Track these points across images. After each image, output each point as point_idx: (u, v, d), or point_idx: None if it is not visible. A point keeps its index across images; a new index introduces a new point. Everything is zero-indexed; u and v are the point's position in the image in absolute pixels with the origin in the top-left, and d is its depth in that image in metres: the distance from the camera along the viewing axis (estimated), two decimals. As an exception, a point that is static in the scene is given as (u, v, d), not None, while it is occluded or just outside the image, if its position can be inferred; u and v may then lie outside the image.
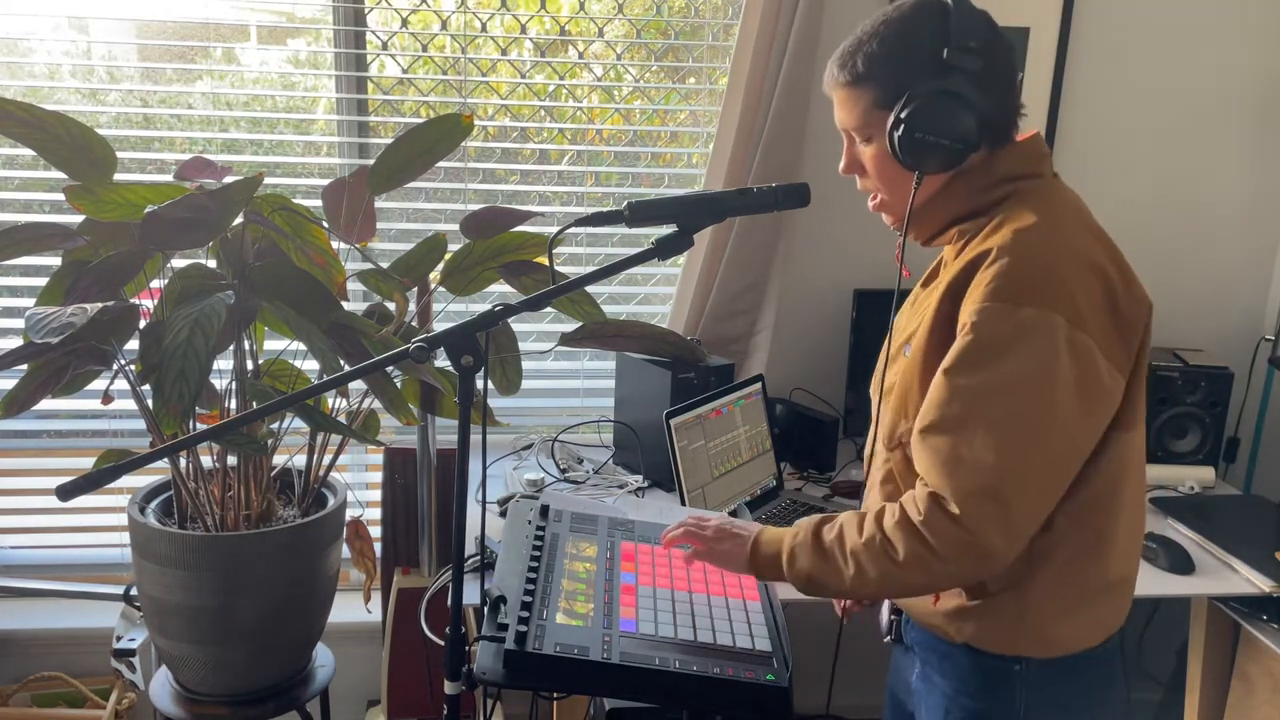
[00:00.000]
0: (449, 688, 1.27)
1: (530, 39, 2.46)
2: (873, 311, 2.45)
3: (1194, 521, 2.15)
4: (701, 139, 2.58)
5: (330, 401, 2.11)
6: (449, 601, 1.25)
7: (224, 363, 1.90)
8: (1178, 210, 2.65)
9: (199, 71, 2.41)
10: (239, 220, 1.85)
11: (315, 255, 1.96)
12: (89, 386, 1.93)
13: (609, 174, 2.58)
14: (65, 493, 1.12)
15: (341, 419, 2.09)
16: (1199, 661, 2.23)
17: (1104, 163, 2.60)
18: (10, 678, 2.47)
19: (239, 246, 1.89)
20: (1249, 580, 1.94)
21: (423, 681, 2.37)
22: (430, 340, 1.19)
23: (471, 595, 1.64)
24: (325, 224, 1.99)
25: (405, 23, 2.42)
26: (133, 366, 1.88)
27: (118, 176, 1.85)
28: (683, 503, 1.95)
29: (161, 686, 2.02)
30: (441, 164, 2.16)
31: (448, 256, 2.06)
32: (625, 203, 1.30)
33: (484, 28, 2.43)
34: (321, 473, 2.07)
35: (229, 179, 1.93)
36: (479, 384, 1.24)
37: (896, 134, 1.24)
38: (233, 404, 2.00)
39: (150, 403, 1.79)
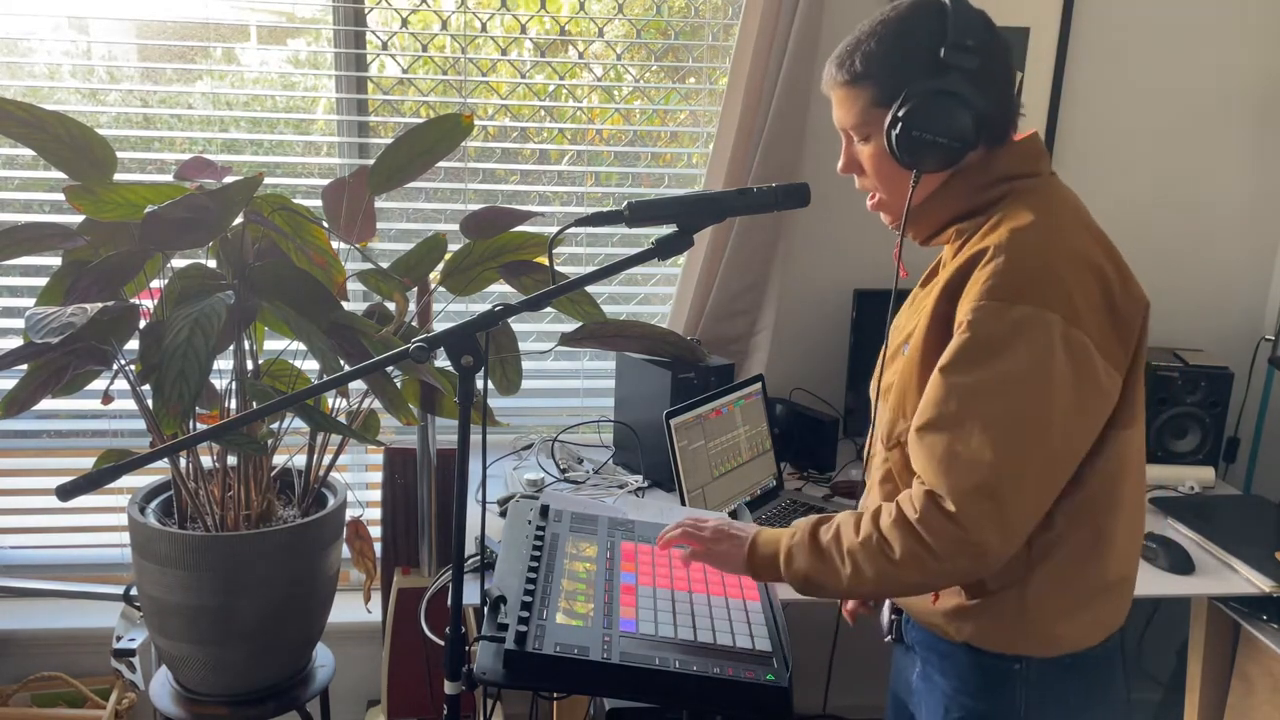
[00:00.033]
0: (449, 688, 1.27)
1: (530, 39, 2.46)
2: (873, 311, 2.46)
3: (1194, 521, 2.15)
4: (701, 139, 2.58)
5: (330, 401, 2.11)
6: (449, 601, 1.25)
7: (224, 363, 1.90)
8: (1178, 210, 2.65)
9: (199, 71, 2.41)
10: (239, 220, 1.85)
11: (315, 255, 1.96)
12: (89, 386, 1.93)
13: (609, 174, 2.58)
14: (65, 493, 1.12)
15: (341, 419, 2.09)
16: (1199, 661, 2.23)
17: (1104, 162, 2.60)
18: (10, 678, 2.47)
19: (239, 246, 1.89)
20: (1249, 580, 1.94)
21: (423, 681, 2.37)
22: (430, 340, 1.19)
23: (471, 595, 1.64)
24: (325, 224, 1.99)
25: (405, 23, 2.42)
26: (133, 366, 1.88)
27: (118, 176, 1.85)
28: (683, 503, 1.95)
29: (161, 686, 2.02)
30: (441, 164, 2.16)
31: (448, 256, 2.06)
32: (625, 203, 1.30)
33: (484, 28, 2.43)
34: (321, 473, 2.07)
35: (229, 179, 1.93)
36: (479, 384, 1.24)
37: (894, 132, 1.24)
38: (233, 404, 2.00)
39: (150, 403, 1.79)
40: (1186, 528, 2.13)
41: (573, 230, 1.62)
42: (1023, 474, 1.17)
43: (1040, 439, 1.17)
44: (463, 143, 2.01)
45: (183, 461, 1.97)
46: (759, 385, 2.22)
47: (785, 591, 1.39)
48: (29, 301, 2.32)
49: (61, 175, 1.82)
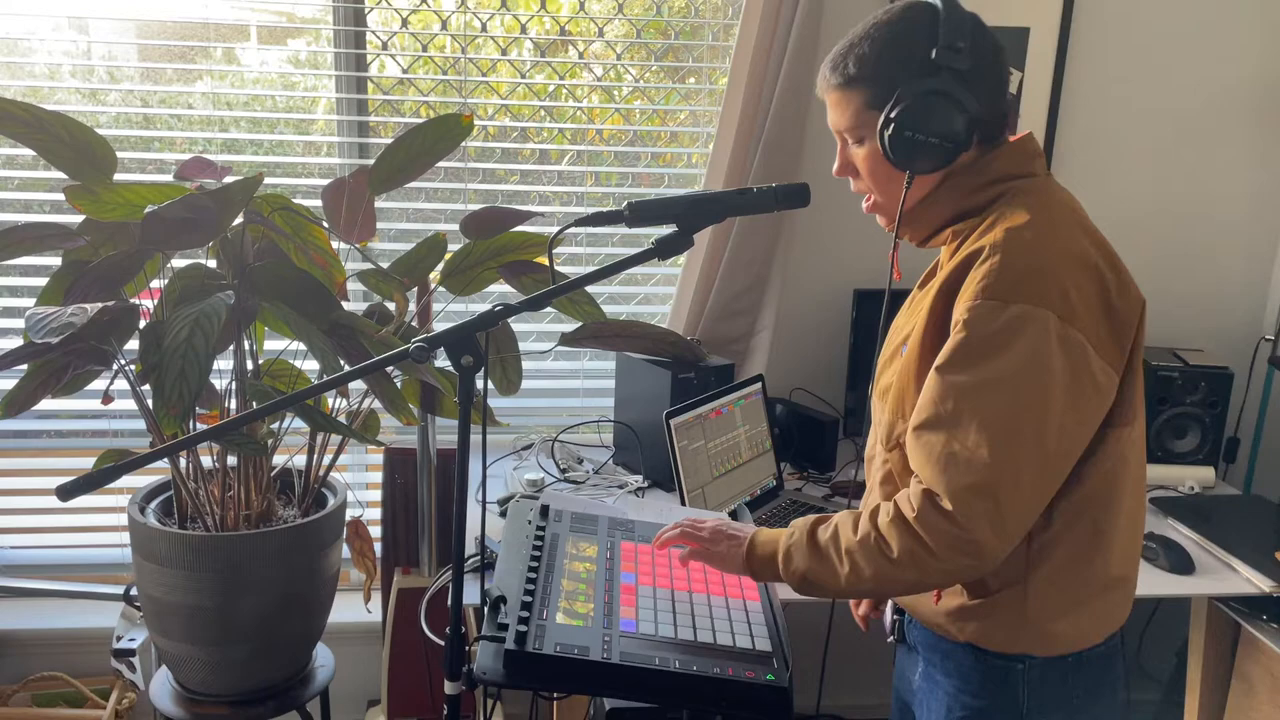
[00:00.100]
0: (449, 688, 1.27)
1: (530, 39, 2.46)
2: (873, 311, 2.46)
3: (1194, 521, 2.15)
4: (701, 139, 2.58)
5: (330, 401, 2.11)
6: (449, 601, 1.25)
7: (224, 363, 1.90)
8: (1178, 210, 2.65)
9: (199, 71, 2.41)
10: (239, 220, 1.85)
11: (315, 255, 1.96)
12: (89, 386, 1.93)
13: (609, 174, 2.58)
14: (65, 493, 1.12)
15: (341, 419, 2.09)
16: (1199, 661, 2.23)
17: (1104, 162, 2.60)
18: (10, 678, 2.47)
19: (239, 246, 1.89)
20: (1249, 580, 1.94)
21: (423, 681, 2.37)
22: (430, 340, 1.19)
23: (471, 595, 1.64)
24: (325, 224, 1.99)
25: (405, 23, 2.42)
26: (133, 366, 1.88)
27: (118, 176, 1.85)
28: (683, 503, 1.95)
29: (161, 686, 2.02)
30: (441, 164, 2.16)
31: (448, 256, 2.06)
32: (625, 203, 1.30)
33: (484, 28, 2.43)
34: (321, 473, 2.07)
35: (229, 179, 1.93)
36: (479, 384, 1.24)
37: (887, 134, 1.25)
38: (233, 404, 2.00)
39: (150, 403, 1.79)
40: (1186, 528, 2.13)
41: (573, 230, 1.62)
42: (1019, 472, 1.17)
43: (1037, 438, 1.17)
44: (463, 143, 2.01)
45: (183, 461, 1.97)
46: (759, 385, 2.23)
47: (784, 591, 1.39)
48: (29, 301, 2.33)
49: (61, 175, 1.82)
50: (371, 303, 2.13)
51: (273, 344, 2.13)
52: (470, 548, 1.85)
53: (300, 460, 2.10)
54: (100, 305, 1.68)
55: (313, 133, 2.47)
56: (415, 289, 2.10)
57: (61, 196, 1.81)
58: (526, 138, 2.52)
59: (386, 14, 2.40)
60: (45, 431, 2.50)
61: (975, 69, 1.23)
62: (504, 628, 1.23)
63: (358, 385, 2.08)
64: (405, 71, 2.45)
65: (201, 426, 1.91)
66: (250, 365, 1.99)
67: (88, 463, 1.81)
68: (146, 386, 1.81)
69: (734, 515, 1.68)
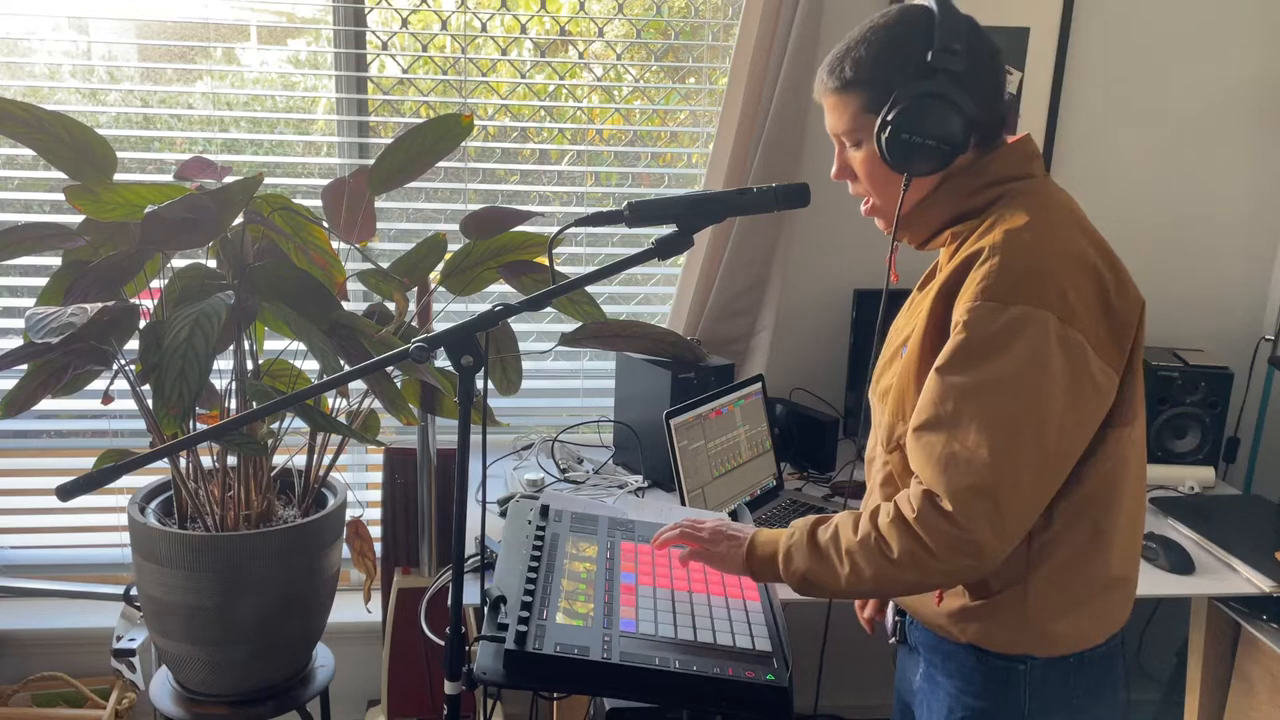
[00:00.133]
0: (449, 688, 1.27)
1: (530, 39, 2.46)
2: (873, 311, 2.45)
3: (1194, 521, 2.15)
4: (701, 139, 2.58)
5: (330, 401, 2.11)
6: (449, 601, 1.25)
7: (224, 363, 1.90)
8: (1178, 210, 2.65)
9: (199, 71, 2.41)
10: (239, 220, 1.85)
11: (315, 255, 1.96)
12: (89, 386, 1.93)
13: (609, 174, 2.58)
14: (65, 493, 1.12)
15: (341, 419, 2.09)
16: (1199, 661, 2.23)
17: (1104, 162, 2.60)
18: (10, 678, 2.47)
19: (239, 246, 1.89)
20: (1249, 580, 1.94)
21: (423, 681, 2.37)
22: (430, 340, 1.19)
23: (471, 595, 1.64)
24: (325, 224, 1.99)
25: (405, 23, 2.42)
26: (133, 366, 1.88)
27: (118, 176, 1.85)
28: (683, 503, 1.95)
29: (161, 686, 2.02)
30: (441, 164, 2.16)
31: (448, 256, 2.06)
32: (625, 203, 1.30)
33: (484, 28, 2.43)
34: (321, 473, 2.07)
35: (229, 179, 1.93)
36: (479, 384, 1.24)
37: (884, 136, 1.25)
38: (233, 404, 2.00)
39: (150, 403, 1.79)
40: (1186, 528, 2.13)
41: (573, 230, 1.62)
42: (1019, 473, 1.17)
43: (1036, 438, 1.17)
44: (463, 143, 2.01)
45: (183, 461, 1.97)
46: (759, 385, 2.22)
47: (784, 592, 1.39)
48: (29, 301, 2.33)
49: (61, 175, 1.82)
50: (371, 303, 2.13)
51: (273, 344, 2.13)
52: (470, 548, 1.85)
53: (300, 460, 2.10)
54: (100, 305, 1.68)
55: (313, 133, 2.47)
56: (415, 289, 2.10)
57: (61, 196, 1.81)
58: (526, 138, 2.52)
59: (386, 14, 2.40)
60: (45, 431, 2.50)
61: (971, 71, 1.24)
62: (504, 628, 1.23)
63: (358, 385, 2.08)
64: (405, 71, 2.45)
65: (201, 426, 1.91)
66: (250, 365, 1.99)
67: (88, 463, 1.81)
68: (146, 386, 1.81)
69: (734, 515, 1.68)
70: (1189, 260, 2.68)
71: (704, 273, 2.45)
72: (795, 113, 2.35)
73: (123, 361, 1.87)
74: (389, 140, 2.15)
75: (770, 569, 1.31)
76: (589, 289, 2.12)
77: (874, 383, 1.40)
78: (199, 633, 1.89)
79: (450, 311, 2.39)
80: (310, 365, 1.99)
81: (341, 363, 1.82)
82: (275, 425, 2.02)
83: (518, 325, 2.28)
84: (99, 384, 1.91)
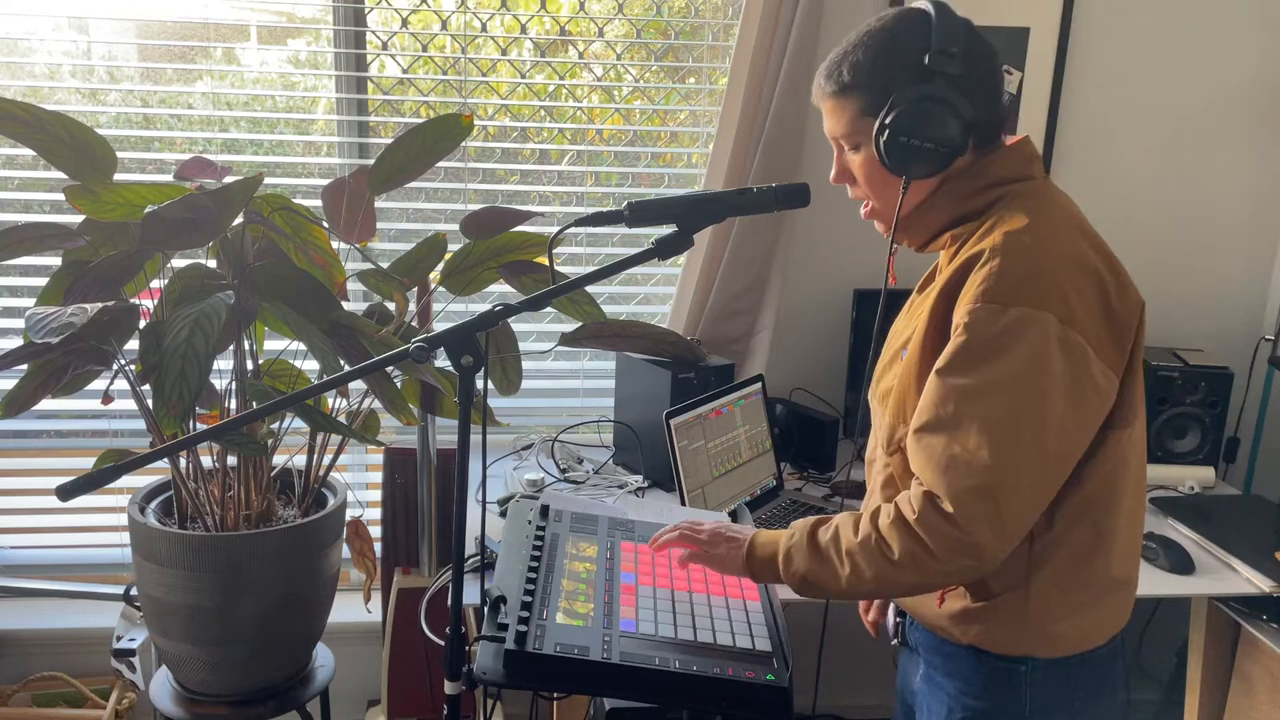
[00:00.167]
0: (449, 688, 1.27)
1: (530, 39, 2.46)
2: (873, 312, 2.45)
3: (1194, 521, 2.15)
4: (701, 139, 2.58)
5: (330, 401, 2.11)
6: (449, 601, 1.25)
7: (224, 363, 1.90)
8: (1178, 210, 2.65)
9: (199, 71, 2.41)
10: (239, 220, 1.85)
11: (315, 255, 1.96)
12: (89, 386, 1.93)
13: (609, 174, 2.58)
14: (65, 493, 1.12)
15: (341, 419, 2.09)
16: (1199, 661, 2.23)
17: (1104, 162, 2.60)
18: (10, 678, 2.47)
19: (239, 246, 1.89)
20: (1249, 580, 1.94)
21: (423, 681, 2.37)
22: (430, 340, 1.19)
23: (471, 595, 1.64)
24: (325, 224, 1.99)
25: (405, 23, 2.42)
26: (133, 366, 1.88)
27: (118, 176, 1.85)
28: (683, 503, 1.95)
29: (161, 686, 2.02)
30: (441, 164, 2.16)
31: (448, 256, 2.06)
32: (625, 203, 1.30)
33: (484, 28, 2.43)
34: (321, 473, 2.07)
35: (229, 179, 1.94)
36: (479, 384, 1.24)
37: (882, 140, 1.25)
38: (233, 404, 2.00)
39: (150, 403, 1.79)
40: (1186, 528, 2.13)
41: (573, 230, 1.62)
42: (1019, 475, 1.17)
43: (1037, 440, 1.17)
44: (463, 143, 2.01)
45: (183, 461, 1.97)
46: (759, 385, 2.22)
47: (784, 592, 1.39)
48: (29, 301, 2.33)
49: (61, 175, 1.82)
50: (371, 303, 2.13)
51: (273, 344, 2.13)
52: (470, 548, 1.85)
53: (300, 460, 2.10)
54: (100, 305, 1.68)
55: (313, 133, 2.47)
56: (415, 289, 2.10)
57: (61, 196, 1.81)
58: (526, 138, 2.52)
59: (386, 14, 2.40)
60: (45, 431, 2.50)
61: (969, 74, 1.24)
62: (504, 628, 1.23)
63: (358, 385, 2.08)
64: (405, 71, 2.45)
65: (201, 426, 1.91)
66: (250, 365, 1.99)
67: (88, 463, 1.81)
68: (146, 386, 1.81)
69: (734, 515, 1.68)
70: (1189, 260, 2.68)
71: (704, 273, 2.45)
72: (795, 113, 2.35)
73: (123, 361, 1.87)
74: (389, 140, 2.15)
75: (770, 570, 1.31)
76: (589, 289, 2.12)
77: (873, 385, 1.40)
78: (199, 633, 1.89)
79: (450, 311, 2.39)
80: (310, 365, 1.99)
81: (341, 363, 1.82)
82: (275, 425, 2.02)
83: (518, 325, 2.28)
84: (99, 384, 1.91)
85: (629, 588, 1.38)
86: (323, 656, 2.13)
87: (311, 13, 2.39)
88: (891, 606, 1.54)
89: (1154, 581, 1.93)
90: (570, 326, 2.17)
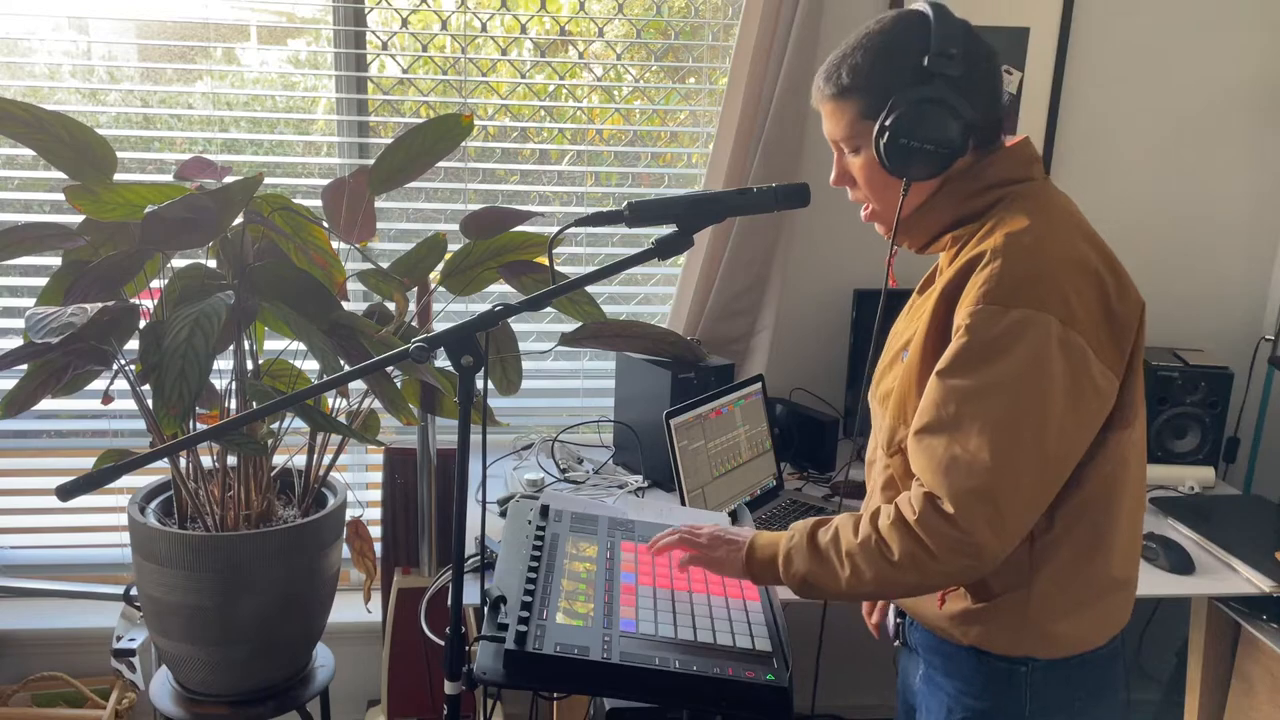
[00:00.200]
0: (449, 688, 1.27)
1: (530, 39, 2.46)
2: (873, 312, 2.45)
3: (1194, 521, 2.15)
4: (701, 139, 2.58)
5: (330, 401, 2.11)
6: (449, 601, 1.25)
7: (224, 363, 1.90)
8: (1178, 210, 2.65)
9: (199, 71, 2.41)
10: (239, 220, 1.85)
11: (315, 255, 1.96)
12: (89, 386, 1.93)
13: (609, 174, 2.58)
14: (65, 493, 1.12)
15: (341, 419, 2.09)
16: (1199, 661, 2.23)
17: (1104, 162, 2.60)
18: (10, 678, 2.47)
19: (239, 246, 1.89)
20: (1249, 580, 1.94)
21: (423, 681, 2.37)
22: (430, 340, 1.19)
23: (471, 595, 1.64)
24: (325, 224, 1.99)
25: (405, 23, 2.42)
26: (133, 366, 1.88)
27: (118, 176, 1.85)
28: (683, 503, 1.95)
29: (161, 686, 2.02)
30: (441, 164, 2.16)
31: (448, 256, 2.06)
32: (625, 203, 1.30)
33: (484, 28, 2.43)
34: (321, 473, 2.07)
35: (229, 179, 1.94)
36: (479, 384, 1.24)
37: (882, 142, 1.25)
38: (233, 404, 2.00)
39: (150, 403, 1.79)
40: (1186, 528, 2.13)
41: (573, 230, 1.62)
42: (1020, 476, 1.17)
43: (1037, 441, 1.17)
44: (463, 143, 2.01)
45: (183, 461, 1.97)
46: (759, 385, 2.22)
47: (784, 593, 1.39)
48: (29, 301, 2.33)
49: (61, 175, 1.82)
50: (371, 303, 2.13)
51: (273, 344, 2.13)
52: (470, 548, 1.85)
53: (300, 460, 2.10)
54: (100, 305, 1.68)
55: (313, 133, 2.47)
56: (415, 289, 2.10)
57: (61, 196, 1.81)
58: (526, 138, 2.52)
59: (386, 14, 2.40)
60: (45, 431, 2.50)
61: (968, 75, 1.24)
62: (504, 628, 1.23)
63: (358, 385, 2.08)
64: (405, 71, 2.45)
65: (201, 426, 1.91)
66: (250, 365, 1.99)
67: (88, 463, 1.81)
68: (146, 386, 1.81)
69: (734, 515, 1.68)
70: (1189, 260, 2.68)
71: (704, 273, 2.45)
72: (795, 113, 2.35)
73: (123, 361, 1.87)
74: (389, 140, 2.15)
75: (770, 572, 1.31)
76: (589, 289, 2.12)
77: (873, 386, 1.40)
78: (199, 633, 1.89)
79: (450, 311, 2.39)
80: (310, 365, 1.99)
81: (341, 363, 1.82)
82: (275, 425, 2.02)
83: (518, 325, 2.28)
84: (99, 384, 1.91)
85: (629, 588, 1.38)
86: (323, 656, 2.13)
87: (311, 13, 2.39)
88: (891, 607, 1.54)
89: (1154, 581, 1.93)
90: (570, 326, 2.17)
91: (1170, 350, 2.57)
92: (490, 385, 2.13)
